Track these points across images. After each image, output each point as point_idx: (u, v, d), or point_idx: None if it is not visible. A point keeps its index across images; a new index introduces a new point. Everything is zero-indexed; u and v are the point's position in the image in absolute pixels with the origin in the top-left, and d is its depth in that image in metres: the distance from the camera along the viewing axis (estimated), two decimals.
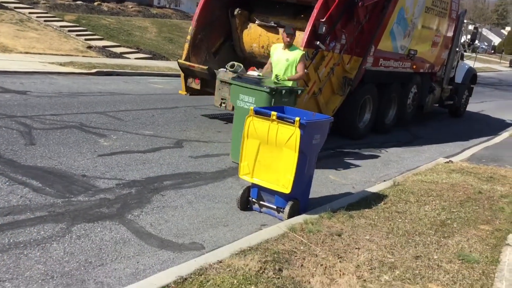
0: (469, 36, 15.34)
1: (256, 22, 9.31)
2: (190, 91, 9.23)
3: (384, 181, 6.39)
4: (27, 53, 14.29)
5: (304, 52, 7.04)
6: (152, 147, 6.72)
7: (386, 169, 7.32)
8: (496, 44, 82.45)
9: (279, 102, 6.01)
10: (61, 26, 18.54)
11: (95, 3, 24.06)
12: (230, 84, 6.61)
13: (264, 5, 9.32)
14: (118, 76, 13.13)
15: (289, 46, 6.81)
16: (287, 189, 4.62)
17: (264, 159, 4.75)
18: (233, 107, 8.28)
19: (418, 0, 10.29)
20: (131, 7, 25.78)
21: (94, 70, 12.89)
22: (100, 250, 3.81)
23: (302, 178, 4.79)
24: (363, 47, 8.99)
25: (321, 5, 7.80)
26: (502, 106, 18.53)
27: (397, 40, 9.98)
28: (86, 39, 18.07)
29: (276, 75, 6.66)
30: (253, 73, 8.76)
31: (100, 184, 5.10)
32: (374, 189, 5.92)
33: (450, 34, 12.50)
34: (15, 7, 19.28)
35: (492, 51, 75.21)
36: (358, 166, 7.37)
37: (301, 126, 4.51)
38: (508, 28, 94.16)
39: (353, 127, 9.41)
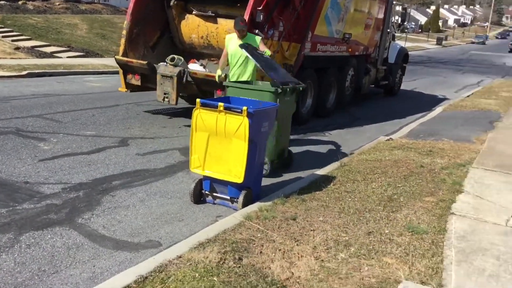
0: (397, 17, 15.87)
1: (193, 12, 9.21)
2: (130, 87, 9.02)
3: (332, 163, 6.53)
4: None
5: (261, 36, 6.99)
6: (96, 147, 6.53)
7: (331, 151, 7.48)
8: (422, 23, 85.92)
9: (283, 101, 5.85)
10: None
11: (20, 2, 22.97)
12: (227, 86, 6.19)
13: (196, 2, 9.23)
14: (51, 77, 12.67)
15: (244, 37, 6.74)
16: (239, 179, 4.64)
17: (214, 151, 4.73)
18: (176, 101, 8.23)
19: None
20: (58, 4, 24.81)
21: (25, 72, 12.35)
22: (53, 257, 3.68)
23: (254, 167, 4.82)
24: (300, 33, 9.10)
25: None
26: (433, 83, 19.41)
27: (332, 24, 10.17)
28: (13, 40, 17.26)
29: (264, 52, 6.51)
30: (194, 65, 8.72)
31: (45, 190, 4.91)
32: (322, 171, 6.05)
33: (381, 16, 12.89)
34: None
35: (420, 30, 78.39)
36: (304, 150, 7.50)
37: (249, 115, 4.53)
38: (433, 7, 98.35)
39: (296, 113, 9.52)
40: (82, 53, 17.88)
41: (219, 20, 8.97)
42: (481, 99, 14.52)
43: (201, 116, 4.73)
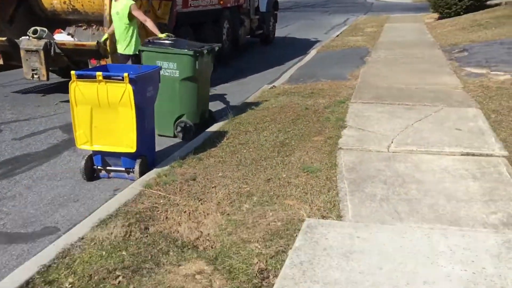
0: None
1: None
2: None
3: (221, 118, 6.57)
4: None
5: (132, 2, 6.59)
6: None
7: (219, 106, 7.51)
8: None
9: (202, 63, 5.82)
10: None
11: None
12: (142, 51, 5.98)
13: None
14: None
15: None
16: (132, 148, 4.50)
17: (100, 123, 4.51)
18: (47, 77, 7.66)
19: None
20: None
21: None
22: None
23: (145, 134, 4.69)
24: None
25: None
26: (303, 26, 20.03)
27: None
28: None
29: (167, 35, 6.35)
30: (60, 35, 8.14)
31: None
32: (214, 128, 6.07)
33: None
34: None
35: None
36: None
37: (132, 81, 4.35)
38: None
39: None
40: None
41: None
42: (349, 37, 15.23)
43: (80, 88, 4.45)
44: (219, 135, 5.68)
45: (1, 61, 8.04)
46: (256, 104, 7.08)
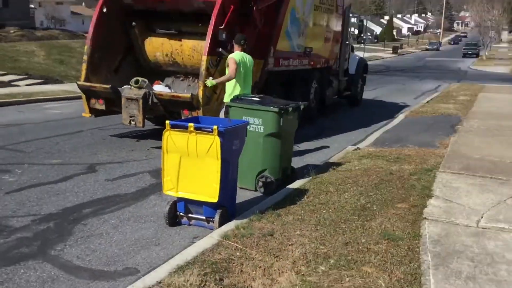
0: (354, 29, 16.24)
1: (157, 30, 9.20)
2: (95, 112, 8.90)
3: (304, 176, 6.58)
4: None
5: (225, 54, 7.41)
6: (63, 176, 6.39)
7: (302, 164, 7.54)
8: (378, 33, 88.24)
9: (286, 120, 6.04)
10: None
11: None
12: (230, 106, 6.34)
13: (161, 16, 9.24)
14: (10, 106, 12.33)
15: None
16: (214, 198, 4.62)
17: (187, 171, 4.70)
18: (143, 124, 8.16)
19: (306, 0, 10.73)
20: (13, 32, 24.28)
21: None
22: None
23: (227, 185, 4.81)
24: (262, 50, 9.19)
25: (217, 12, 7.89)
26: (393, 90, 19.87)
27: (293, 39, 10.33)
28: None
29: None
30: (159, 87, 8.70)
31: (14, 223, 4.77)
32: (295, 185, 6.09)
33: (338, 29, 13.18)
34: None
35: (376, 40, 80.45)
36: None
37: (220, 134, 4.53)
38: (386, 17, 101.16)
39: None
40: (41, 80, 17.48)
41: (183, 37, 9.00)
42: (440, 104, 14.89)
43: (172, 137, 4.70)
44: (300, 193, 5.68)
45: (103, 106, 8.67)
46: (339, 164, 7.04)
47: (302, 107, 6.54)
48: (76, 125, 9.80)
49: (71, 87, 15.49)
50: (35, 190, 5.75)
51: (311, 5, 11.03)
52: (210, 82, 7.29)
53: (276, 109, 5.91)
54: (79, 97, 13.32)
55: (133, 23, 9.15)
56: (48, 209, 5.17)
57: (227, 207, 4.87)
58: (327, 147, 9.03)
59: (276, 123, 5.96)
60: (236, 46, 7.26)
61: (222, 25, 7.89)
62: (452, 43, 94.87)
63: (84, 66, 8.72)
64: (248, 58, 7.33)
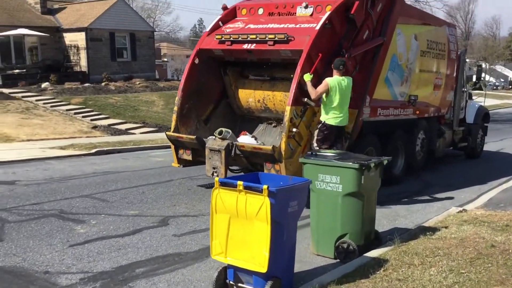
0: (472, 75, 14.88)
1: (250, 77, 9.13)
2: (183, 162, 8.88)
3: (388, 241, 5.74)
4: (29, 140, 14.36)
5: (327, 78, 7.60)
6: (133, 228, 6.27)
7: (393, 226, 6.67)
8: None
9: (368, 177, 5.41)
10: (67, 110, 18.83)
11: (103, 84, 24.56)
12: (303, 163, 5.76)
13: (252, 64, 9.18)
14: (119, 153, 12.95)
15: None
16: (263, 268, 4.07)
17: (236, 235, 4.24)
18: (225, 175, 7.88)
19: (411, 45, 9.97)
20: (139, 83, 26.27)
21: (94, 150, 12.76)
22: None
23: (281, 253, 4.24)
24: (357, 99, 8.56)
25: (304, 61, 7.53)
26: None
27: (394, 87, 9.58)
28: (92, 120, 18.25)
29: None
30: (244, 137, 8.43)
31: (62, 281, 4.63)
32: (374, 253, 5.29)
33: (452, 75, 12.07)
34: (23, 96, 19.70)
35: (510, 87, 74.39)
36: None
37: (271, 194, 4.02)
38: None
39: None
40: (155, 128, 18.45)
41: (275, 83, 8.75)
42: None
43: (221, 196, 4.29)
44: (376, 263, 4.89)
45: (190, 157, 8.62)
46: (433, 230, 6.05)
47: (385, 162, 5.79)
48: (169, 174, 9.90)
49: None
50: (99, 244, 5.65)
51: (416, 51, 10.23)
52: (307, 76, 7.46)
53: (356, 165, 5.27)
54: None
55: (229, 69, 9.12)
56: (102, 267, 5.00)
57: (280, 277, 4.27)
58: (428, 206, 8.00)
59: (357, 181, 5.30)
60: (334, 71, 7.54)
61: (309, 72, 7.51)
62: None
63: (174, 117, 8.81)
64: (345, 82, 7.61)
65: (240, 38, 8.42)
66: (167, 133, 8.76)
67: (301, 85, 7.56)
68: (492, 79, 72.03)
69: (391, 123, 9.68)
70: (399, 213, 7.47)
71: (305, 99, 7.59)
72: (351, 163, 5.32)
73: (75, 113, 18.63)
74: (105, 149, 13.11)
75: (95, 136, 16.02)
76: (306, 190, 4.58)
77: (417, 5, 26.41)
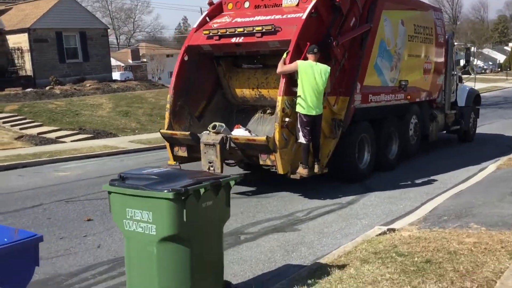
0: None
1: (243, 66, 9.46)
2: (179, 159, 9.10)
3: None
4: None
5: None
6: None
7: (284, 263, 5.48)
8: (501, 61, 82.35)
9: (198, 210, 3.79)
10: None
11: (47, 88, 23.94)
12: (109, 192, 4.02)
13: (244, 56, 9.49)
14: (23, 168, 11.99)
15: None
16: None
17: None
18: (221, 169, 8.06)
19: (398, 30, 10.26)
20: (89, 86, 25.53)
21: None
22: None
23: None
24: (348, 86, 8.89)
25: (293, 51, 7.70)
26: (502, 128, 17.05)
27: (384, 73, 9.91)
28: (21, 128, 17.52)
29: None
30: (238, 130, 8.62)
31: None
32: None
33: (441, 59, 12.42)
34: None
35: (499, 69, 75.14)
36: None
37: None
38: (511, 44, 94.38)
39: (353, 169, 9.11)
40: (91, 135, 17.55)
41: (268, 70, 8.94)
42: None
43: None
44: None
45: (185, 154, 8.82)
46: (324, 273, 4.68)
47: (233, 184, 4.14)
48: (48, 195, 9.03)
49: (115, 142, 16.10)
50: None
51: (404, 36, 10.53)
52: (284, 54, 7.79)
53: (171, 194, 3.63)
54: (113, 154, 13.96)
55: (220, 61, 9.48)
56: None
57: None
58: (349, 226, 6.71)
59: (175, 218, 3.68)
60: (309, 56, 7.76)
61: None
62: None
63: (167, 115, 9.03)
64: (318, 68, 7.64)
65: (227, 32, 8.66)
66: (162, 131, 8.95)
67: (291, 75, 7.72)
68: (480, 62, 72.58)
69: (383, 109, 9.99)
70: (305, 239, 6.25)
71: (296, 89, 7.75)
72: (165, 190, 3.68)
73: (4, 122, 17.75)
74: (5, 164, 12.12)
75: (13, 148, 14.85)
76: (29, 253, 3.34)
77: None
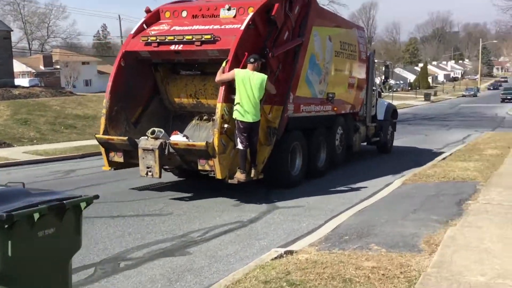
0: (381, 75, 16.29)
1: (181, 72, 9.68)
2: (114, 165, 9.18)
3: None
4: None
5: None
6: None
7: None
8: (411, 80, 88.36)
9: (34, 239, 3.01)
10: None
11: None
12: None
13: (183, 63, 9.72)
14: None
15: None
16: None
17: None
18: (160, 174, 8.20)
19: (326, 46, 10.94)
20: None
21: None
22: None
23: None
24: (282, 96, 9.34)
25: (232, 60, 8.03)
26: (412, 142, 18.25)
27: (313, 85, 10.50)
28: None
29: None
30: (176, 137, 8.82)
31: None
32: None
33: (363, 75, 13.37)
34: None
35: (409, 88, 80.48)
36: None
37: None
38: (421, 65, 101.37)
39: (285, 175, 9.56)
40: None
41: (206, 77, 9.25)
42: (458, 162, 11.81)
43: None
44: None
45: (122, 159, 8.88)
46: None
47: (84, 205, 3.32)
48: None
49: (7, 153, 15.08)
50: None
51: (331, 51, 11.24)
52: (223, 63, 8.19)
53: None
54: (6, 165, 13.03)
55: (158, 67, 9.69)
56: None
57: None
58: (244, 249, 6.13)
59: None
60: (248, 65, 8.15)
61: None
62: (491, 88, 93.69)
63: (102, 120, 9.04)
64: (255, 76, 8.04)
65: (166, 40, 8.87)
66: (97, 135, 8.95)
67: (230, 82, 8.06)
68: (392, 81, 77.47)
69: (313, 119, 10.60)
70: (195, 264, 5.57)
71: (234, 96, 8.09)
72: None
73: None
74: None
75: None
76: None
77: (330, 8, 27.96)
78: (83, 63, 67.18)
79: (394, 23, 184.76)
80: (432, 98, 62.77)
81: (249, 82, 8.00)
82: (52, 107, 22.79)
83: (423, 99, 60.13)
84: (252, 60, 8.13)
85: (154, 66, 9.72)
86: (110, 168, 9.13)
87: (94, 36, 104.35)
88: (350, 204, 8.39)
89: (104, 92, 10.04)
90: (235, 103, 8.07)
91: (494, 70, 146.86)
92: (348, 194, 9.33)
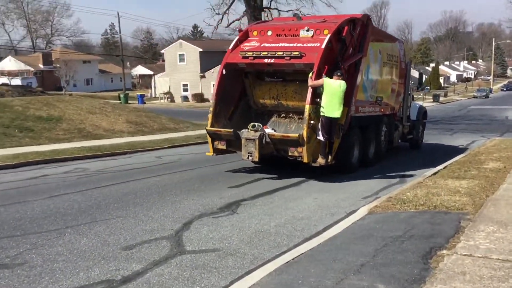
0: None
1: (266, 79, 12.56)
2: (217, 151, 12.04)
3: None
4: None
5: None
6: None
7: None
8: (423, 81, 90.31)
9: None
10: None
11: None
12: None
13: (269, 72, 12.55)
14: None
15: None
16: None
17: None
18: (259, 158, 11.03)
19: (377, 58, 13.70)
20: None
21: None
22: None
23: None
24: (347, 99, 12.05)
25: (316, 72, 10.83)
26: (405, 152, 17.13)
27: (367, 90, 13.29)
28: None
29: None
30: (267, 130, 11.62)
31: None
32: None
33: (402, 80, 16.04)
34: None
35: (417, 88, 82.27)
36: None
37: None
38: (432, 65, 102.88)
39: (348, 163, 12.33)
40: None
41: (286, 83, 12.20)
42: (449, 179, 10.19)
43: None
44: None
45: (224, 146, 11.74)
46: None
47: None
48: None
49: None
50: None
51: (380, 62, 14.02)
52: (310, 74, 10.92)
53: None
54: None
55: (248, 75, 12.65)
56: None
57: None
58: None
59: None
60: (334, 77, 10.85)
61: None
62: (504, 89, 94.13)
63: (210, 116, 11.91)
64: (337, 84, 10.74)
65: (261, 54, 11.67)
66: (207, 128, 11.82)
67: (316, 89, 10.87)
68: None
69: (367, 119, 13.43)
70: None
71: (318, 99, 10.89)
72: None
73: None
74: None
75: None
76: None
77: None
78: (84, 61, 67.79)
79: (406, 23, 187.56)
80: (442, 99, 62.83)
81: (334, 86, 10.73)
82: (14, 107, 20.62)
83: (432, 100, 60.11)
84: (339, 73, 10.92)
85: (244, 74, 12.59)
86: (213, 153, 12.03)
87: (102, 35, 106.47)
88: (284, 246, 6.50)
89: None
90: (322, 103, 10.81)
91: (508, 71, 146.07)
92: (290, 228, 7.37)
